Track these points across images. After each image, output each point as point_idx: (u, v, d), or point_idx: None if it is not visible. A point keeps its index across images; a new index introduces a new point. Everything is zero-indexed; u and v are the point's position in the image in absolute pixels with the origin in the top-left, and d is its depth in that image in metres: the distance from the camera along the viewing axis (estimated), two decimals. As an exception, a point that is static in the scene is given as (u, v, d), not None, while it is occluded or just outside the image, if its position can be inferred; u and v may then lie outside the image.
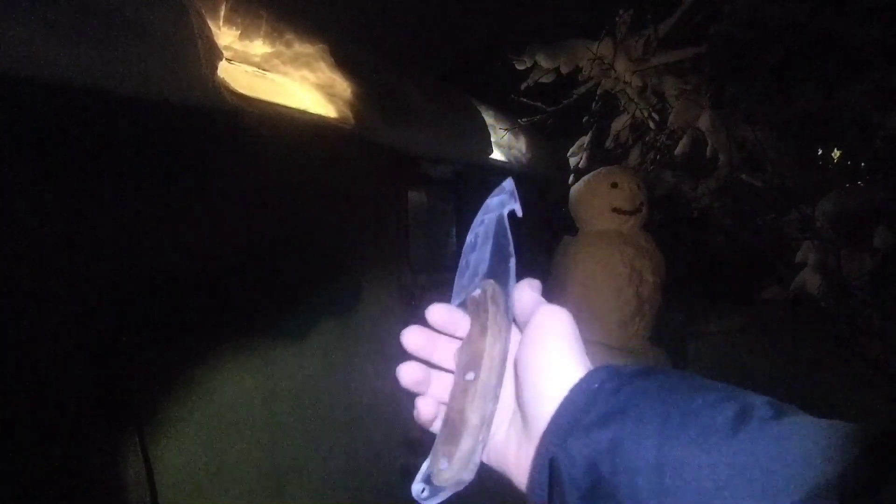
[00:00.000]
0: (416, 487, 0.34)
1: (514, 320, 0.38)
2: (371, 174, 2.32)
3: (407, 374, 0.38)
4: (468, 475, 0.34)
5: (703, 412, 0.27)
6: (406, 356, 0.39)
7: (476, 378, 0.35)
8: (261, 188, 1.75)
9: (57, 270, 1.21)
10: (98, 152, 1.30)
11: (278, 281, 1.79)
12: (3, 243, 1.12)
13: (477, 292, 0.38)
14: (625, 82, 2.77)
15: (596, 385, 0.31)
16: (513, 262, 0.39)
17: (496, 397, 0.35)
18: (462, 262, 0.41)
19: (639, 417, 0.28)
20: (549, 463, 0.30)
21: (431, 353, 0.39)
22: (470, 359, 0.36)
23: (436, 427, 0.38)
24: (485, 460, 0.36)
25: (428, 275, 2.75)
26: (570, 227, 2.65)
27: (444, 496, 0.34)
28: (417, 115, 2.47)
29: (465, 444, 0.34)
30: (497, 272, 0.39)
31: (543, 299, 0.36)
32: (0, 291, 1.12)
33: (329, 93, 2.08)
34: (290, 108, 1.88)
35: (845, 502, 0.22)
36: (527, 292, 0.37)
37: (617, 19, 2.74)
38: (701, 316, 3.55)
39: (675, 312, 3.07)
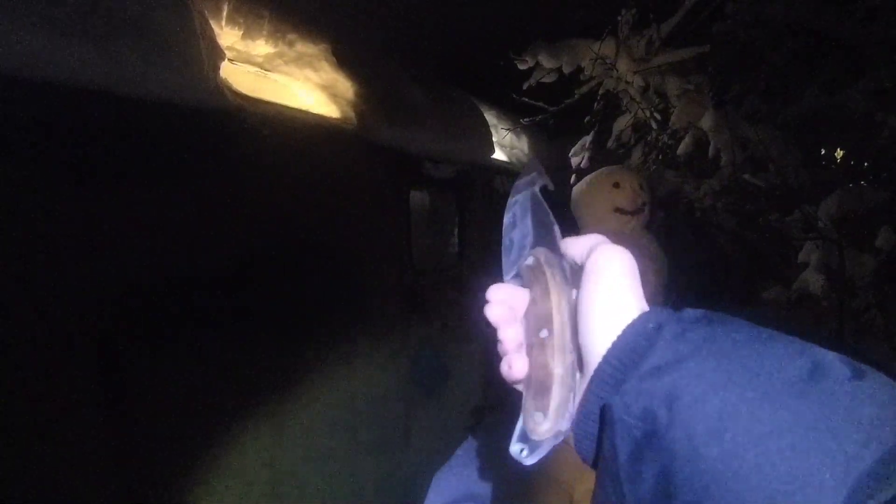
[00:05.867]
0: (515, 448, 0.34)
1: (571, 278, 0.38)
2: (373, 174, 2.32)
3: (495, 309, 0.37)
4: (565, 424, 0.33)
5: (771, 367, 0.25)
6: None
7: (550, 333, 0.35)
8: (263, 189, 1.75)
9: (59, 271, 1.21)
10: (100, 153, 1.30)
11: (280, 281, 1.79)
12: (4, 244, 1.12)
13: (530, 260, 0.39)
14: (627, 82, 2.76)
15: (652, 326, 0.29)
16: (556, 229, 0.39)
17: (573, 350, 0.35)
18: (505, 240, 0.42)
19: (700, 369, 0.26)
20: (600, 411, 0.28)
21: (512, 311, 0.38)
22: (539, 319, 0.36)
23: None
24: None
25: (430, 275, 2.75)
26: (571, 227, 2.64)
27: (544, 450, 0.33)
28: (419, 115, 2.46)
29: (557, 393, 0.33)
30: (543, 241, 0.39)
31: (598, 239, 0.35)
32: (1, 292, 1.13)
33: (331, 93, 2.08)
34: (293, 108, 1.88)
35: None
36: (577, 242, 0.36)
37: (619, 19, 2.73)
38: (703, 316, 3.52)
39: (677, 312, 3.04)
